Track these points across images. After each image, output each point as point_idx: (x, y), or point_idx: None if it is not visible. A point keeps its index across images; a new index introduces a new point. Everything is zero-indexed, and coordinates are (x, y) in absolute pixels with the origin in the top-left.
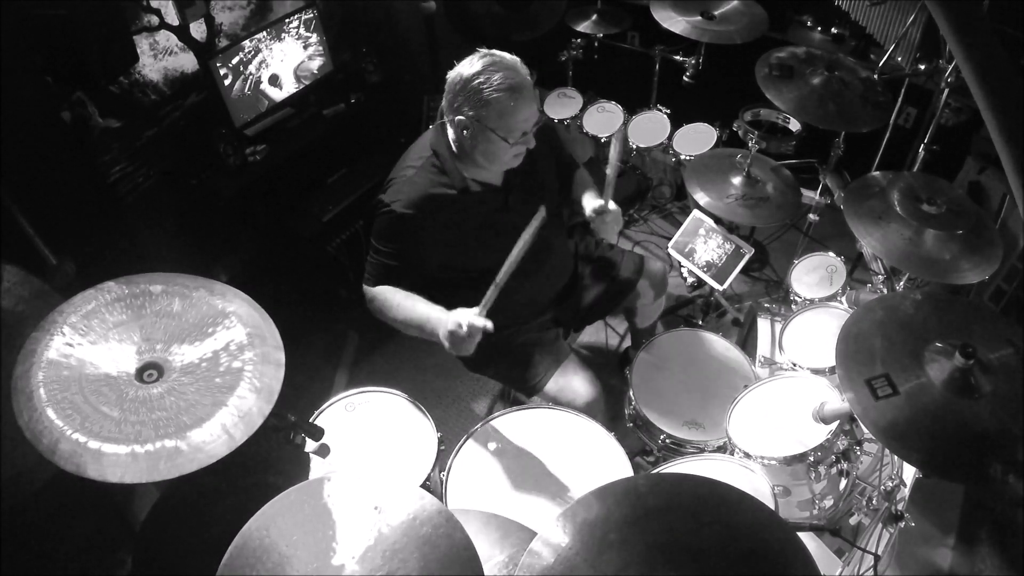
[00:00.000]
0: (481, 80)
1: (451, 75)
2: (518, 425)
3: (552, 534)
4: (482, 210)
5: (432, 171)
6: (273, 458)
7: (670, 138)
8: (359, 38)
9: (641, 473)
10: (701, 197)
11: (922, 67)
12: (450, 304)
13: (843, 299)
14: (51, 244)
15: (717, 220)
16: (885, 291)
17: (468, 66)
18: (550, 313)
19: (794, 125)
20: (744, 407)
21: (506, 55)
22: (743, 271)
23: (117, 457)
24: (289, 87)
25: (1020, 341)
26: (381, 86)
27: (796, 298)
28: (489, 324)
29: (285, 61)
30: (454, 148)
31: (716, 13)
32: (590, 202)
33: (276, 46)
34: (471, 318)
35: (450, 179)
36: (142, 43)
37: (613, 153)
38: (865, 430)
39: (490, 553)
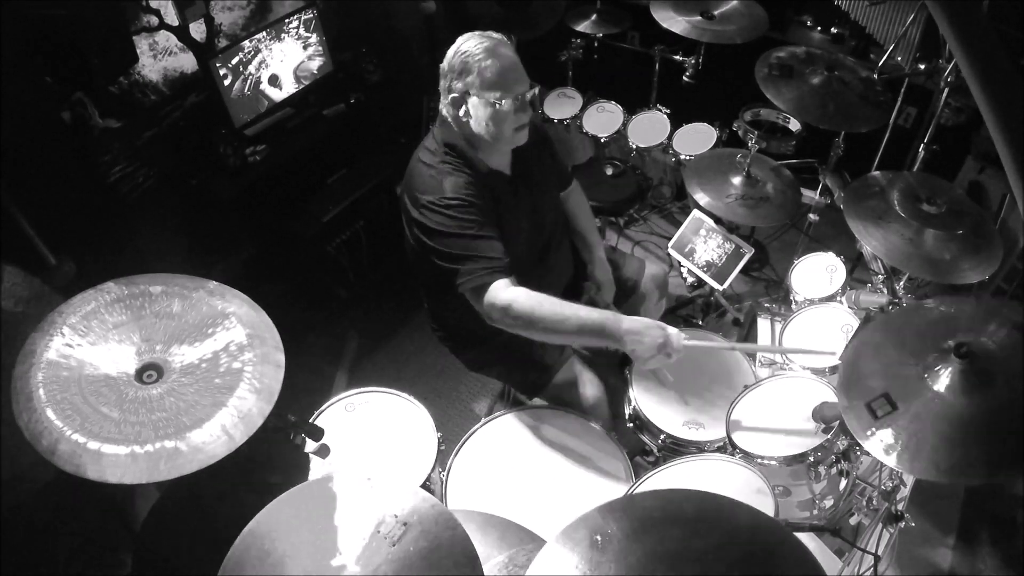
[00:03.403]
0: (462, 52)
1: (441, 65)
2: (518, 425)
3: (553, 551)
4: (500, 196)
5: (453, 160)
6: (273, 458)
7: (670, 138)
8: (359, 38)
9: (638, 491)
10: (701, 197)
11: (922, 67)
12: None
13: (843, 299)
14: (51, 244)
15: (717, 220)
16: (885, 291)
17: (453, 46)
18: None
19: (794, 125)
20: (744, 407)
21: (486, 32)
22: (743, 271)
23: (117, 458)
24: (289, 87)
25: (1018, 317)
26: (381, 86)
27: (796, 298)
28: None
29: (285, 61)
30: (464, 139)
31: (716, 13)
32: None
33: (276, 46)
34: (679, 344)
35: (471, 164)
36: (142, 43)
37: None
38: None
39: (490, 553)
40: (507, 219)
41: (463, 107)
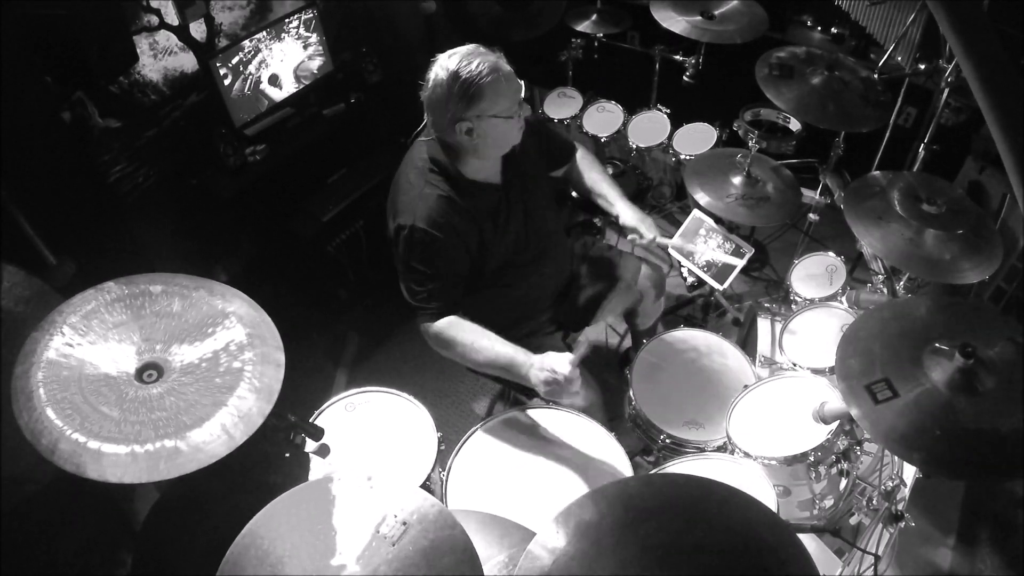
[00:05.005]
0: (462, 79)
1: (428, 95)
2: (518, 425)
3: (547, 538)
4: (488, 210)
5: (436, 180)
6: (273, 458)
7: (670, 138)
8: (359, 38)
9: (632, 475)
10: (701, 197)
11: (922, 67)
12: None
13: (843, 299)
14: (51, 244)
15: (717, 220)
16: (885, 291)
17: (443, 72)
18: (549, 312)
19: (794, 125)
20: (744, 407)
21: (460, 47)
22: (743, 271)
23: (117, 457)
24: (289, 87)
25: (1019, 336)
26: (381, 86)
27: (796, 298)
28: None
29: (285, 61)
30: (451, 155)
31: (716, 13)
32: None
33: (276, 46)
34: (564, 367)
35: (455, 183)
36: (142, 43)
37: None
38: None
39: (490, 553)
40: (497, 228)
41: (473, 131)
